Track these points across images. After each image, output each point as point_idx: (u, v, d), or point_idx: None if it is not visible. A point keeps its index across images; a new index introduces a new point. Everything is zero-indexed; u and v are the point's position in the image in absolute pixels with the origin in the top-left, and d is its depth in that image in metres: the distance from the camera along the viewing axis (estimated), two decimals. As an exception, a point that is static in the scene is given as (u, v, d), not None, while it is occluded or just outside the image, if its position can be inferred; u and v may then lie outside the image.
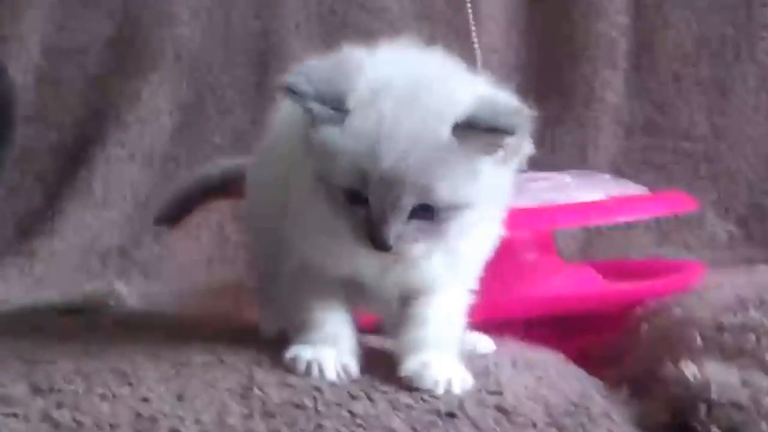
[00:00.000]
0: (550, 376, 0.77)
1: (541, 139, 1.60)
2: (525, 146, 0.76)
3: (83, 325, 0.98)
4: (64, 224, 1.52)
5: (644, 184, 1.42)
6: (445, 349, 0.75)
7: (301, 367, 0.72)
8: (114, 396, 0.66)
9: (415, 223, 0.70)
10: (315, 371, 0.71)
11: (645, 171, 1.61)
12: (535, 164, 1.56)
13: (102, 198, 1.57)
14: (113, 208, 1.57)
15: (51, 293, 1.26)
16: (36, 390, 0.68)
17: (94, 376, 0.70)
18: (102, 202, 1.57)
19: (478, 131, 0.70)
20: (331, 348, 0.74)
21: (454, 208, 0.71)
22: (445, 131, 0.70)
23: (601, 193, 1.10)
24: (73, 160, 1.61)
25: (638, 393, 0.82)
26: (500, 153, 0.73)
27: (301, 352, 0.73)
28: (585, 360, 0.96)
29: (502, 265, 1.10)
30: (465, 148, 0.70)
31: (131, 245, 1.54)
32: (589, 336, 1.06)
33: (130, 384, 0.68)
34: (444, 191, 0.70)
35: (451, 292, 0.78)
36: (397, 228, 0.69)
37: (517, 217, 1.04)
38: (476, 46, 1.36)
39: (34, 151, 1.62)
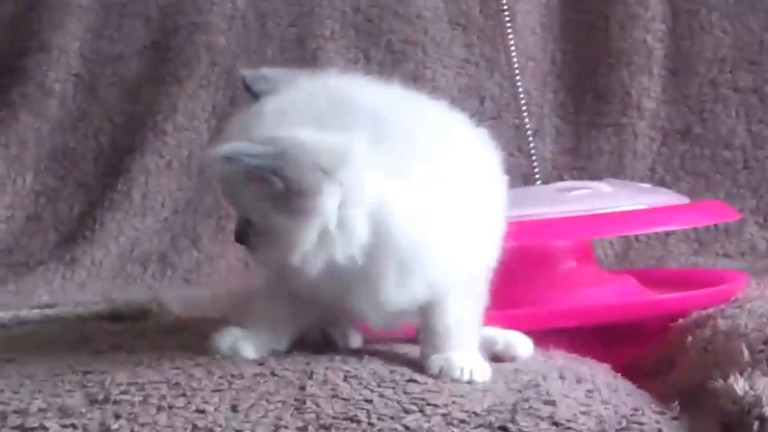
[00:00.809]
0: (599, 389, 0.77)
1: (577, 146, 1.66)
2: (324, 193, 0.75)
3: (130, 332, 0.99)
4: (105, 231, 1.55)
5: (682, 191, 1.42)
6: (463, 347, 0.80)
7: (218, 344, 0.81)
8: (170, 407, 0.67)
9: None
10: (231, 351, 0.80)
11: (682, 178, 1.62)
12: (573, 171, 1.62)
13: (141, 205, 1.59)
14: (152, 214, 1.59)
15: (94, 299, 1.28)
16: (92, 401, 0.68)
17: (148, 386, 0.71)
18: (141, 208, 1.59)
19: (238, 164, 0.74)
20: (254, 331, 0.81)
21: (255, 225, 0.77)
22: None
23: (642, 202, 1.10)
24: (112, 167, 1.64)
25: (686, 407, 0.81)
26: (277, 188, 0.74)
27: (225, 333, 0.82)
28: (628, 371, 0.96)
29: (542, 274, 1.12)
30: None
31: (170, 251, 1.56)
32: (631, 346, 1.06)
33: (184, 395, 0.69)
34: (247, 210, 0.78)
35: (457, 297, 0.80)
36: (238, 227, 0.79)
37: (558, 227, 1.06)
38: (513, 53, 1.36)
39: (75, 158, 1.65)
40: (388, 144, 0.76)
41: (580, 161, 1.65)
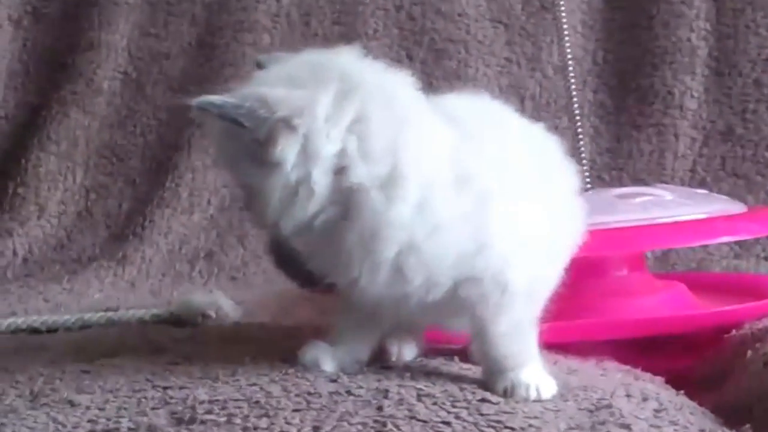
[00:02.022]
0: (666, 408, 0.78)
1: (617, 146, 1.66)
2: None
3: (194, 339, 1.01)
4: (154, 228, 1.57)
5: (722, 193, 1.41)
6: (525, 363, 0.80)
7: (303, 359, 0.83)
8: (255, 428, 0.68)
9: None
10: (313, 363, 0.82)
11: (723, 179, 1.61)
12: (612, 171, 1.62)
13: (188, 202, 1.61)
14: (199, 211, 1.61)
15: (152, 301, 1.30)
16: (179, 420, 0.70)
17: (231, 405, 0.72)
18: (188, 205, 1.60)
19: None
20: (335, 347, 0.83)
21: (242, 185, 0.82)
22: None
23: (703, 211, 1.10)
24: (160, 164, 1.65)
25: (741, 422, 0.82)
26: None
27: (310, 347, 0.84)
28: (675, 382, 0.96)
29: (593, 283, 1.12)
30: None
31: (217, 249, 1.57)
32: (678, 356, 1.05)
33: (267, 416, 0.70)
34: (232, 169, 0.82)
35: (503, 308, 0.79)
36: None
37: (622, 237, 1.05)
38: (569, 50, 1.34)
39: (123, 154, 1.66)
40: (355, 99, 0.77)
41: (619, 162, 1.65)
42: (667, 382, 0.95)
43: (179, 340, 0.99)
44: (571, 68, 1.36)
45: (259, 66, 0.86)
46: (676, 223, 1.05)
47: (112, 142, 1.67)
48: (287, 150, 0.76)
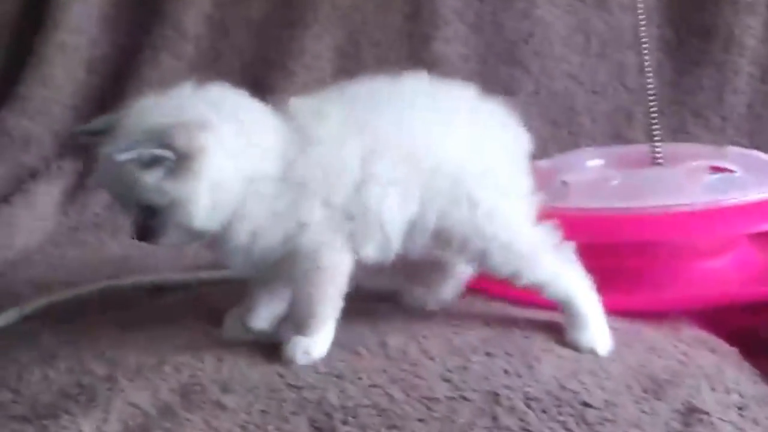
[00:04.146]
0: (749, 405, 0.83)
1: (678, 80, 1.65)
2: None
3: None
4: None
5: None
6: (312, 329, 0.90)
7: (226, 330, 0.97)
8: (388, 439, 0.74)
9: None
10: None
11: (779, 115, 1.62)
12: (673, 105, 1.61)
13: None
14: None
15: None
16: (319, 430, 0.76)
17: (361, 413, 0.78)
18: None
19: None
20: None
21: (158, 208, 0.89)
22: None
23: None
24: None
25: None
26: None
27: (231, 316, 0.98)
28: (737, 343, 1.00)
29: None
30: None
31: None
32: (746, 315, 1.07)
33: (395, 427, 0.76)
34: (148, 196, 0.88)
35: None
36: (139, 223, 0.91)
37: (703, 219, 1.06)
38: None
39: (212, 97, 1.68)
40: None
41: (680, 96, 1.65)
42: (734, 340, 0.99)
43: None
44: (640, 5, 1.35)
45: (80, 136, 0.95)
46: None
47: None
48: (206, 154, 0.86)
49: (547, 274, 0.94)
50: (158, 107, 0.89)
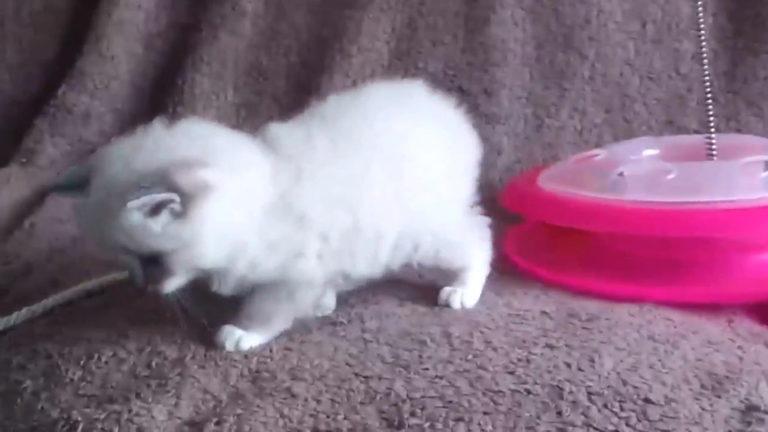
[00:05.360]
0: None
1: (733, 70, 1.63)
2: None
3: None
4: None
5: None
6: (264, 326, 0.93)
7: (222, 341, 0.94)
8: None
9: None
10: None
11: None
12: (728, 94, 1.60)
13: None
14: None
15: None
16: (389, 423, 0.77)
17: (428, 405, 0.78)
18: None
19: None
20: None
21: (162, 253, 0.86)
22: None
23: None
24: (302, 85, 1.68)
25: None
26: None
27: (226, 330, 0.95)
28: None
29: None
30: None
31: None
32: None
33: (463, 420, 0.76)
34: (155, 243, 0.85)
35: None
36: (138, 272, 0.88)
37: (759, 216, 1.06)
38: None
39: (268, 74, 1.69)
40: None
41: (734, 85, 1.63)
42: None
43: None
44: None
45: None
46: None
47: (258, 63, 1.69)
48: (210, 191, 0.84)
49: (468, 258, 1.02)
50: (138, 151, 0.85)
